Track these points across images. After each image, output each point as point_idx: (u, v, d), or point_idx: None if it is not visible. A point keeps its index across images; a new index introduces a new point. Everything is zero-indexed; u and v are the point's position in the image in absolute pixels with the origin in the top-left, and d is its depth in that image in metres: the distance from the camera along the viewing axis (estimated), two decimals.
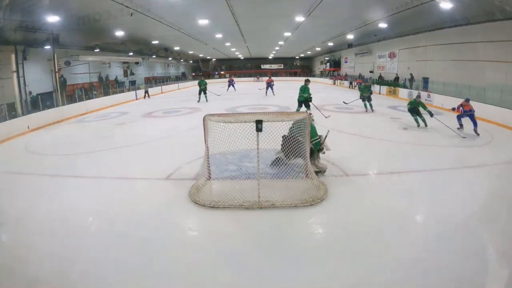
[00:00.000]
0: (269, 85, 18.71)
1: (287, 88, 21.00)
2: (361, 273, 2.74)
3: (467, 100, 7.86)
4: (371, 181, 5.03)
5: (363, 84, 12.73)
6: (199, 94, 15.84)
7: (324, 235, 3.53)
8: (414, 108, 8.54)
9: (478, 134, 7.43)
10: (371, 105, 11.68)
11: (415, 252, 2.98)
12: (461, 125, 8.07)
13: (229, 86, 22.98)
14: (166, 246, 3.22)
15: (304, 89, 9.49)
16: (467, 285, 2.56)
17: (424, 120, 8.53)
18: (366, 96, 11.68)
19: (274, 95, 17.96)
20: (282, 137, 4.77)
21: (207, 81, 17.24)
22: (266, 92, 18.56)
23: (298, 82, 32.78)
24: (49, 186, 5.02)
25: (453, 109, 8.28)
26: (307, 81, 9.75)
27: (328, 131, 5.14)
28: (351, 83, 24.25)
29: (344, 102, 12.46)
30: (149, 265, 2.88)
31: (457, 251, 2.97)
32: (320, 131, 5.17)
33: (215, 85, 27.79)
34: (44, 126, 10.83)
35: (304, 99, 9.42)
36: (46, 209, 4.13)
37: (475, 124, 7.59)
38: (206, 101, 15.69)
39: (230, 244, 3.23)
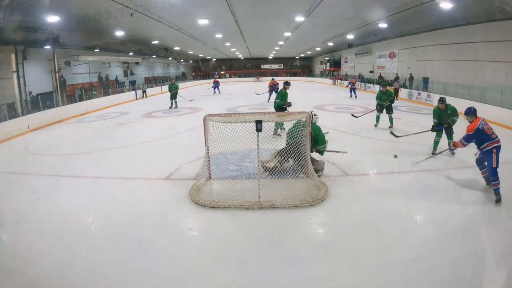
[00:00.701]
0: (274, 89, 14.57)
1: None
2: (361, 273, 2.74)
3: (470, 113, 4.16)
4: (371, 181, 5.03)
5: (382, 88, 8.61)
6: (171, 99, 13.94)
7: (324, 235, 3.53)
8: (444, 123, 5.75)
9: (497, 202, 3.87)
10: (391, 119, 8.38)
11: (415, 252, 2.98)
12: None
13: (214, 88, 21.63)
14: (166, 246, 3.22)
15: (278, 94, 7.79)
16: (467, 285, 2.56)
17: (451, 143, 5.18)
18: (384, 105, 8.39)
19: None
20: (287, 144, 4.77)
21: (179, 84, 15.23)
22: (269, 98, 14.49)
23: (298, 82, 32.90)
24: (49, 186, 5.02)
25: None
26: (286, 84, 7.84)
27: (346, 152, 5.40)
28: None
29: (353, 115, 9.19)
30: (149, 265, 2.87)
31: (457, 251, 2.97)
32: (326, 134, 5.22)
33: (199, 87, 27.67)
34: (44, 126, 10.83)
35: (278, 106, 7.58)
36: (46, 209, 4.13)
37: (492, 173, 3.92)
38: (176, 106, 13.84)
39: (230, 244, 3.23)
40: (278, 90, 7.87)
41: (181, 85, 28.79)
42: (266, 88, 15.69)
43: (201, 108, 13.68)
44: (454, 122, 5.82)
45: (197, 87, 26.76)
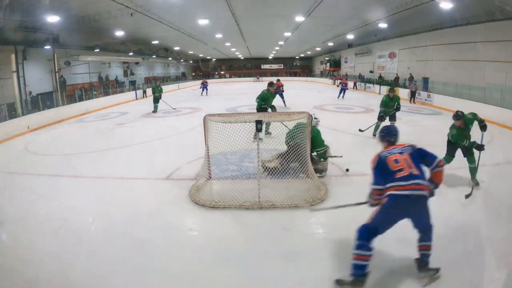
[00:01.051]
0: (277, 91, 12.36)
1: (288, 88, 20.84)
2: None
3: (379, 136, 2.91)
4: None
5: (389, 92, 7.32)
6: (154, 102, 12.76)
7: (324, 235, 3.52)
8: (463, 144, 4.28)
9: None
10: None
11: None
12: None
13: (202, 89, 20.69)
14: (166, 246, 3.21)
15: (259, 94, 7.27)
16: (467, 285, 2.56)
17: (474, 171, 4.38)
18: (390, 112, 7.21)
19: (285, 106, 12.65)
20: (287, 145, 4.74)
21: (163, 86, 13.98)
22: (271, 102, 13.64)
23: (299, 82, 32.90)
24: (49, 186, 5.02)
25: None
26: (269, 85, 7.36)
27: (341, 156, 5.09)
28: (355, 84, 22.38)
29: (360, 130, 7.60)
30: (149, 265, 2.87)
31: (457, 251, 2.97)
32: (326, 134, 5.17)
33: (185, 89, 27.29)
34: (44, 126, 10.84)
35: (258, 106, 7.19)
36: (46, 209, 4.13)
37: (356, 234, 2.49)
38: (155, 111, 12.68)
39: (230, 244, 3.23)
40: (281, 93, 7.36)
41: (181, 85, 29.05)
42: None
43: (201, 108, 13.68)
44: (484, 127, 4.36)
45: (195, 87, 26.62)
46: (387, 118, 7.27)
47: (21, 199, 4.50)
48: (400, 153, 2.55)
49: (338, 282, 2.49)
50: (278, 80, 13.56)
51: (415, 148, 2.63)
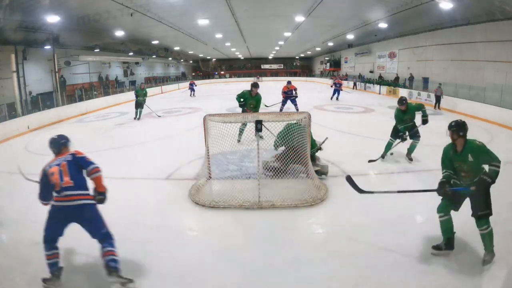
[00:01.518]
0: (289, 97, 10.62)
1: None
2: (361, 273, 2.74)
3: None
4: (371, 181, 5.03)
5: (400, 105, 5.45)
6: (136, 108, 11.03)
7: (324, 235, 3.53)
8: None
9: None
10: (413, 148, 5.63)
11: (415, 252, 2.98)
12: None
13: (191, 90, 20.09)
14: (166, 246, 3.22)
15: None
16: (467, 285, 2.56)
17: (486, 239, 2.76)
18: (410, 127, 5.50)
19: (298, 111, 9.90)
20: (285, 147, 4.73)
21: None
22: (282, 109, 10.78)
23: (299, 82, 32.86)
24: None
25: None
26: (252, 85, 6.68)
27: (326, 138, 5.10)
28: (355, 84, 22.27)
29: (371, 160, 5.58)
30: (149, 265, 2.88)
31: (457, 251, 2.97)
32: (326, 134, 5.16)
33: (185, 89, 27.04)
34: (44, 126, 10.84)
35: (239, 105, 6.91)
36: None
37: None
38: (138, 118, 11.03)
39: (230, 244, 3.23)
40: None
41: (181, 85, 28.96)
42: (271, 92, 12.43)
43: (201, 108, 13.68)
44: (495, 173, 2.86)
45: (184, 89, 26.32)
46: (411, 134, 5.59)
47: (21, 199, 4.49)
48: (58, 164, 2.68)
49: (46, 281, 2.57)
50: (289, 83, 10.98)
51: (76, 157, 2.79)
